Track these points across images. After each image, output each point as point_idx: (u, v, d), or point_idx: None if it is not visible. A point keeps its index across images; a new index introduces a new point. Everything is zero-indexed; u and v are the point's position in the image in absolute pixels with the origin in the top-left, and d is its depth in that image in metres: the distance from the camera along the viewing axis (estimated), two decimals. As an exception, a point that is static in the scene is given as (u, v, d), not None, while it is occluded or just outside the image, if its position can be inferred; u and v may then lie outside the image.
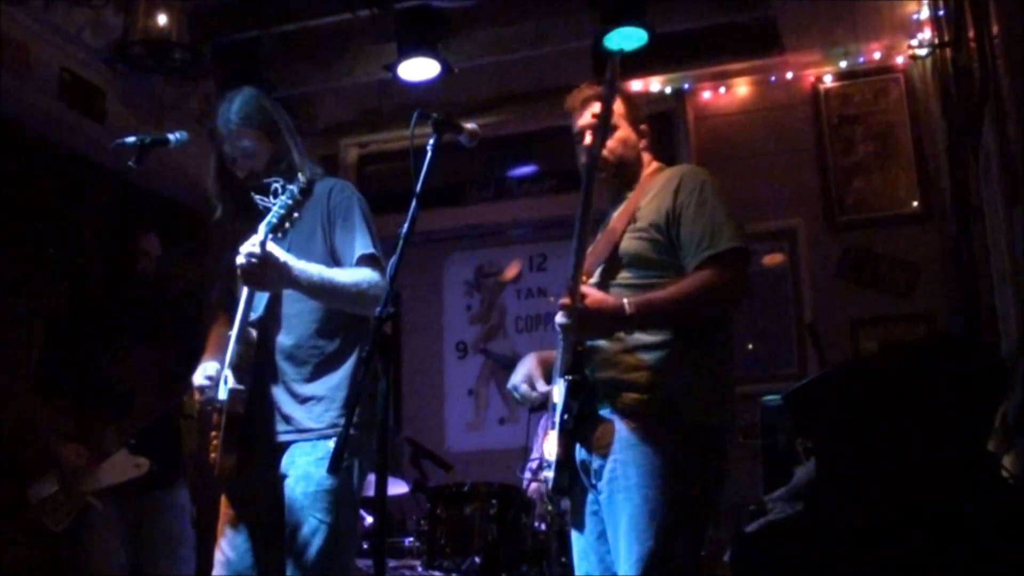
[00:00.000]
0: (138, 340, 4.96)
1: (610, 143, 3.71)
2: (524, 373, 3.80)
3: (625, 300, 3.40)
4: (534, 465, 4.25)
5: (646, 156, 3.85)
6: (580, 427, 3.52)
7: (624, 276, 3.55)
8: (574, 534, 3.71)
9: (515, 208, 8.46)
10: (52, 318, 5.32)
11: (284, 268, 3.67)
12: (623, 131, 3.78)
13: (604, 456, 3.45)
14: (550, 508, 3.84)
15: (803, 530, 2.81)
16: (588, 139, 3.68)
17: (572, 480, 3.62)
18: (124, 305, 5.04)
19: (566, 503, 3.76)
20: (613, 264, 3.61)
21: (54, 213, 6.76)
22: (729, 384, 3.62)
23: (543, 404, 3.76)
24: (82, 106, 6.65)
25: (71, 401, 4.96)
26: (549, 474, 3.60)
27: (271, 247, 3.62)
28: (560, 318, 3.41)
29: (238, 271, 3.68)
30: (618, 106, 3.73)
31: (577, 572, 3.71)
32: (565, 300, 3.37)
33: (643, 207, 3.62)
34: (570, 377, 3.48)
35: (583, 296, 3.36)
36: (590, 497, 3.59)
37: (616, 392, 3.47)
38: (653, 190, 3.67)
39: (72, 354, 4.98)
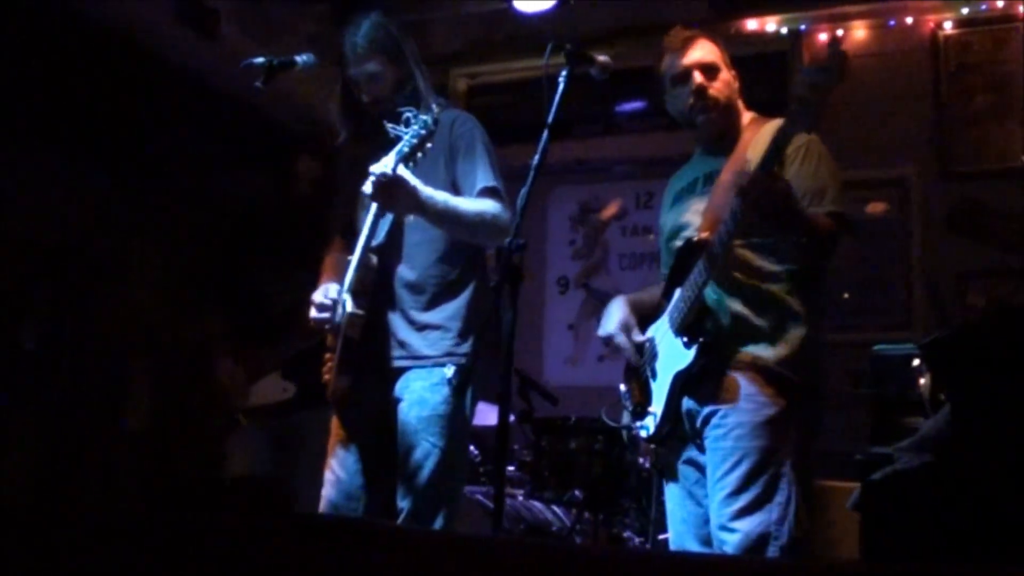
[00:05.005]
0: (300, 262, 5.01)
1: (716, 84, 3.68)
2: (619, 321, 3.77)
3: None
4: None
5: (740, 102, 3.80)
6: (693, 381, 3.50)
7: None
8: (668, 485, 3.73)
9: (623, 144, 8.37)
10: (217, 235, 5.42)
11: (414, 191, 3.71)
12: (725, 73, 3.73)
13: (716, 407, 3.44)
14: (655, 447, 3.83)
15: (933, 480, 2.80)
16: (699, 79, 3.66)
17: (671, 431, 3.62)
18: (287, 226, 5.10)
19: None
20: None
21: (165, 130, 6.83)
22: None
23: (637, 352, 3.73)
24: (196, 25, 6.67)
25: (236, 317, 5.06)
26: (649, 422, 3.62)
27: (401, 171, 3.66)
28: (744, 181, 3.26)
29: (369, 191, 3.73)
30: (714, 49, 3.73)
31: (671, 519, 3.73)
32: (757, 172, 3.25)
33: (751, 160, 3.51)
34: (701, 339, 3.42)
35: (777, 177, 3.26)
36: (690, 447, 3.60)
37: (737, 347, 3.45)
38: (760, 141, 3.56)
39: (236, 271, 5.08)
